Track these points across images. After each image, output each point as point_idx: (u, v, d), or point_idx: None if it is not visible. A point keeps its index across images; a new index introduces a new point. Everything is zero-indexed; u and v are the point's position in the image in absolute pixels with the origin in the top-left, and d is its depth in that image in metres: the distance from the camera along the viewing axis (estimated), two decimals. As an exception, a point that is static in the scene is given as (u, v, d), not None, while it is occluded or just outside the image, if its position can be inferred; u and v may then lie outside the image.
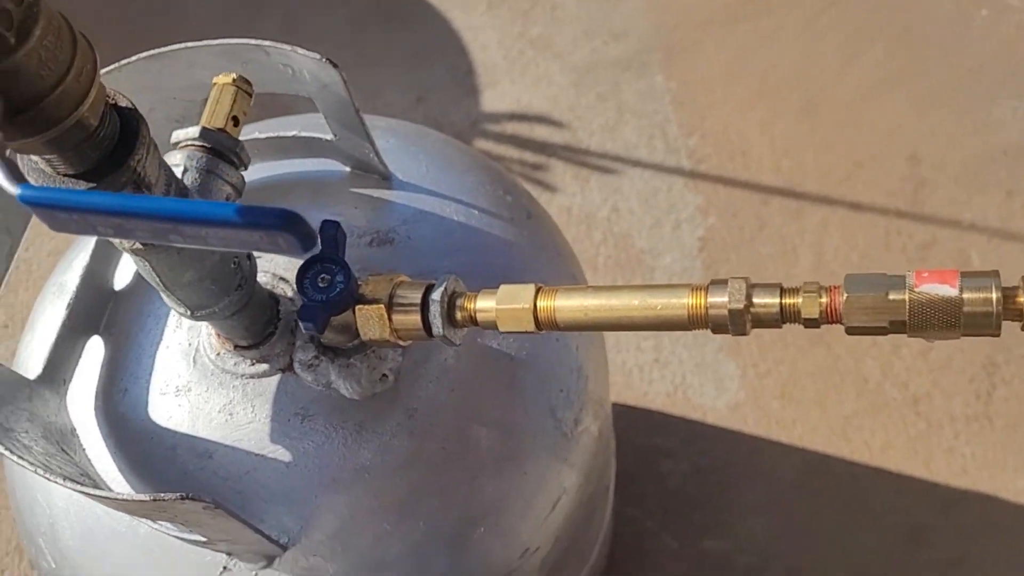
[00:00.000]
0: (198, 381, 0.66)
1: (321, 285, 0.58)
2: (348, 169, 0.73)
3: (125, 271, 0.71)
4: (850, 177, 1.61)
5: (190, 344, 0.67)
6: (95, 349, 0.69)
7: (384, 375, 0.65)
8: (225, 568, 0.63)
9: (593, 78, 1.74)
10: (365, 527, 0.63)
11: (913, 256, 1.54)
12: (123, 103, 0.44)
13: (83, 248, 0.74)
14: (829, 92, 1.68)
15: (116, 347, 0.68)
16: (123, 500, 0.49)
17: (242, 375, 0.65)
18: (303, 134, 0.69)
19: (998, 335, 0.48)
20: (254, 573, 0.63)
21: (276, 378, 0.65)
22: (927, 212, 1.57)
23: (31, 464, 0.51)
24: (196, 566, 0.63)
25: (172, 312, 0.68)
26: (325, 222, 0.59)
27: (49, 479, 0.50)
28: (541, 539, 0.68)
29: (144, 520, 0.60)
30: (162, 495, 0.48)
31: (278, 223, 0.32)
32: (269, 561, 0.62)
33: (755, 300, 0.52)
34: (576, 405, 0.70)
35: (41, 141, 0.39)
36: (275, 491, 0.63)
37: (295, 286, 0.59)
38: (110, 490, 0.60)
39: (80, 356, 0.68)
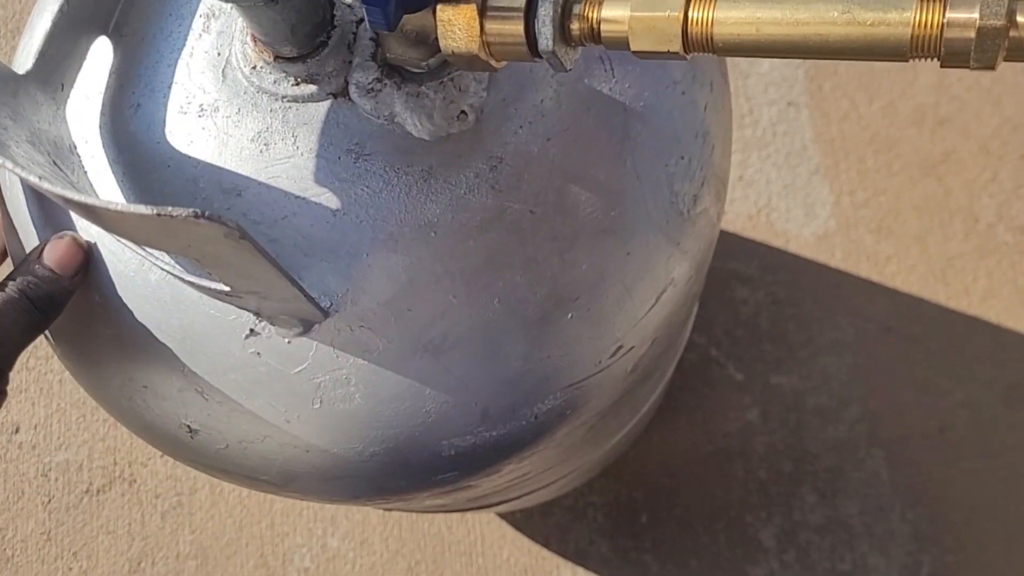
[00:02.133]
0: (228, 100, 0.52)
1: (395, -35, 0.43)
2: None
3: (143, -42, 0.56)
4: None
5: (219, 54, 0.53)
6: (103, 53, 0.55)
7: (463, 111, 0.51)
8: (252, 331, 0.51)
9: None
10: (427, 296, 0.50)
11: (1053, 85, 1.34)
12: None
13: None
14: None
15: (128, 52, 0.54)
16: (117, 211, 0.36)
17: (283, 96, 0.51)
18: None
19: None
20: (287, 340, 0.51)
21: (326, 104, 0.51)
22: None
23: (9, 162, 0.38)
24: (217, 325, 0.51)
25: (199, 12, 0.54)
26: None
27: (29, 180, 0.37)
28: (638, 337, 0.55)
29: (154, 257, 0.48)
30: (169, 209, 0.35)
31: None
32: (306, 327, 0.50)
33: (1020, 19, 0.36)
34: (698, 178, 0.55)
35: None
36: (318, 243, 0.50)
37: None
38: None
39: (83, 59, 0.54)
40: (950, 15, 0.37)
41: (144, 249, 0.49)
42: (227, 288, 0.46)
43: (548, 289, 0.51)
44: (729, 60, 1.39)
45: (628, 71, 0.53)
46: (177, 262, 0.48)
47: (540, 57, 0.45)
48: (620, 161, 0.52)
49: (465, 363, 0.51)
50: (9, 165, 0.37)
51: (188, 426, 0.54)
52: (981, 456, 1.21)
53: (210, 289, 0.47)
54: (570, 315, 0.52)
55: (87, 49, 0.54)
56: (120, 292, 0.53)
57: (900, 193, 1.31)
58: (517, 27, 0.44)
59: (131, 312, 0.53)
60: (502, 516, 1.24)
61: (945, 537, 1.19)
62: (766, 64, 1.38)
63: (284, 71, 0.51)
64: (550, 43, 0.43)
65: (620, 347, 0.54)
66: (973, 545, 1.19)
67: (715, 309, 1.29)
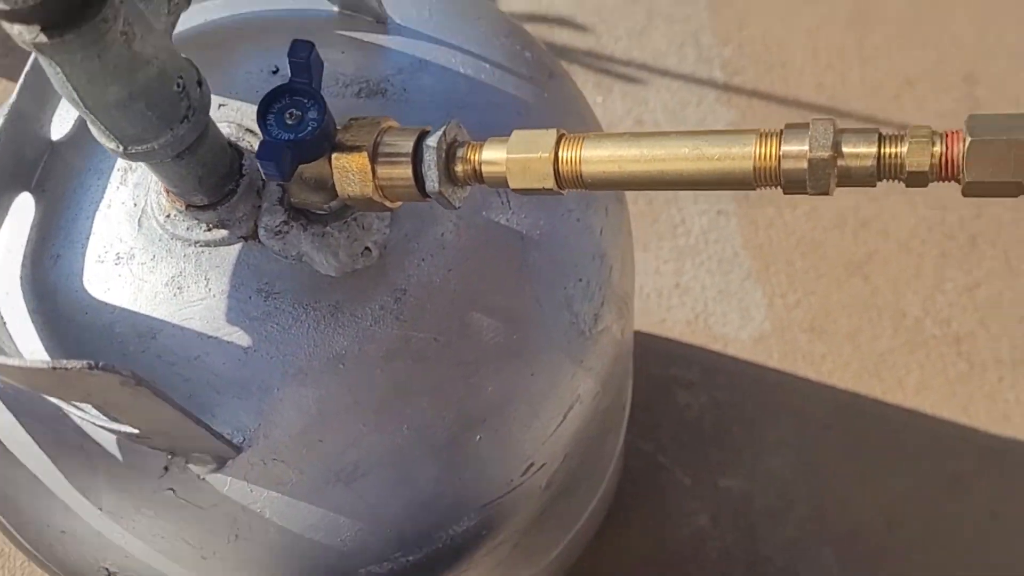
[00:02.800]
0: (143, 248, 0.54)
1: (289, 122, 0.47)
2: (336, 9, 0.61)
3: (64, 118, 0.59)
4: (899, 96, 1.47)
5: (135, 204, 0.55)
6: (25, 208, 0.57)
7: (367, 248, 0.53)
8: (166, 470, 0.52)
9: (623, -22, 1.59)
10: (338, 427, 0.52)
11: (964, 184, 1.40)
12: None
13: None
14: (881, 1, 1.54)
15: (49, 206, 0.57)
16: (15, 367, 0.37)
17: (196, 242, 0.54)
18: (281, -42, 0.57)
19: None
20: (201, 477, 0.52)
21: (237, 247, 0.54)
22: (981, 137, 1.43)
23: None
24: (133, 466, 0.53)
25: (117, 166, 0.57)
26: (296, 43, 0.47)
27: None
28: (548, 454, 0.57)
29: (65, 405, 0.49)
30: (64, 362, 0.37)
31: None
32: (220, 463, 0.52)
33: (845, 149, 0.40)
34: (597, 298, 0.58)
35: None
36: (230, 380, 0.52)
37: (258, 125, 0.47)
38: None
39: (5, 215, 0.56)
40: (785, 148, 0.41)
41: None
42: (135, 431, 0.47)
43: (455, 413, 0.53)
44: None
45: (524, 202, 0.57)
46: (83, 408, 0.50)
47: (429, 197, 0.48)
48: (520, 287, 0.55)
49: (378, 490, 0.53)
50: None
51: (107, 569, 0.55)
52: (929, 546, 1.22)
53: (120, 432, 0.48)
54: (479, 437, 0.54)
55: (9, 205, 0.57)
56: (36, 438, 0.54)
57: (829, 293, 1.36)
58: (406, 171, 0.47)
59: (47, 455, 0.54)
60: (458, 639, 1.21)
61: (901, 633, 1.19)
62: (694, 176, 1.44)
63: (196, 218, 0.54)
64: (436, 185, 0.47)
65: (531, 465, 0.56)
66: (930, 640, 1.19)
67: (660, 415, 1.31)
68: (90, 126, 0.45)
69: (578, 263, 0.58)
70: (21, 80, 0.56)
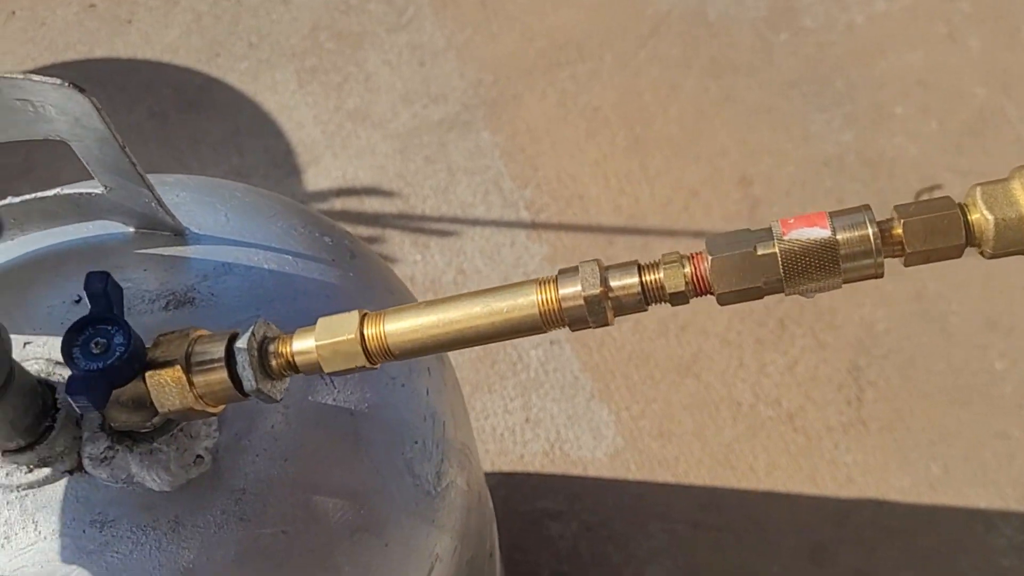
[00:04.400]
0: (-39, 504, 0.52)
1: (95, 352, 0.48)
2: (132, 230, 0.63)
3: None
4: (688, 206, 1.61)
5: (-53, 460, 0.54)
6: None
7: (199, 456, 0.54)
8: None
9: (418, 142, 1.68)
10: (197, 646, 0.51)
11: (762, 274, 1.53)
12: None
13: None
14: (653, 127, 1.69)
15: None
16: None
17: (17, 487, 0.52)
18: (67, 191, 0.59)
19: (882, 275, 0.43)
20: None
21: (62, 483, 0.53)
22: (767, 230, 1.57)
23: None
24: None
25: (-78, 425, 0.55)
26: (90, 275, 0.48)
27: None
28: (418, 621, 0.57)
29: None
30: None
31: None
32: None
33: (612, 283, 0.45)
34: (435, 456, 0.60)
35: None
36: (74, 623, 0.50)
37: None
38: None
39: None
40: (562, 291, 0.45)
41: None
42: None
43: (316, 601, 0.53)
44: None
45: (348, 379, 0.59)
46: None
47: (250, 395, 0.49)
48: (358, 461, 0.57)
49: None
50: None
51: None
52: (812, 621, 1.26)
53: None
54: (344, 620, 0.54)
55: None
56: None
57: (668, 397, 1.43)
58: (222, 375, 0.49)
59: None
60: None
61: None
62: (521, 313, 1.50)
63: (14, 461, 0.53)
64: (254, 383, 0.48)
65: (402, 635, 0.56)
66: None
67: (536, 551, 1.31)
68: None
69: (411, 426, 0.60)
70: None
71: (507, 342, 1.46)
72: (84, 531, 0.52)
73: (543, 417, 1.42)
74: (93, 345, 0.47)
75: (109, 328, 0.48)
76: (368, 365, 0.48)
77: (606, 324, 0.45)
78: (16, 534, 0.52)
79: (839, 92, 1.71)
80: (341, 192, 1.63)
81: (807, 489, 1.36)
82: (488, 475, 1.37)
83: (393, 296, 0.67)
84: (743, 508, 1.34)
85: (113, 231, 0.63)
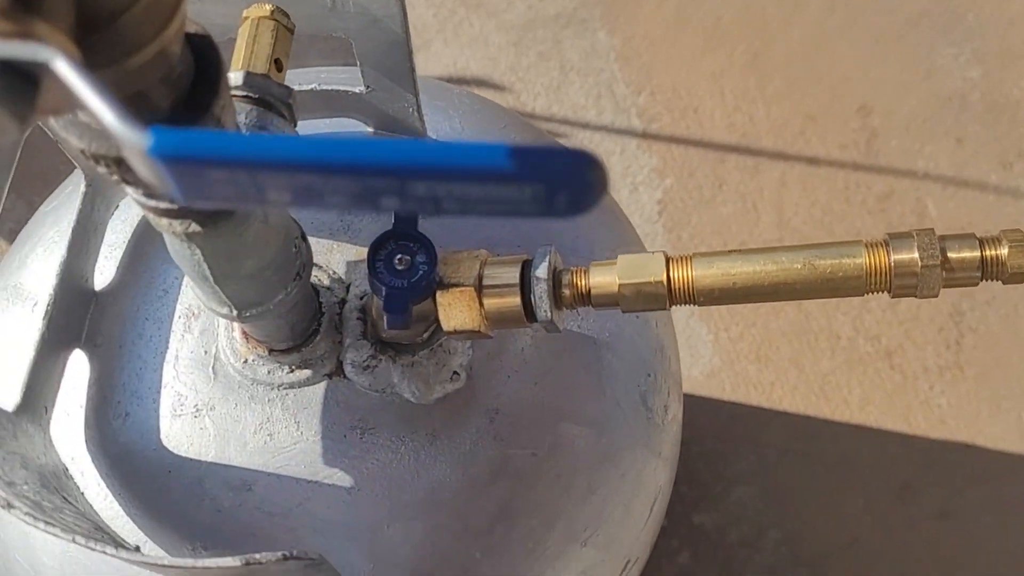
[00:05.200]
0: (223, 397, 0.53)
1: (399, 268, 0.47)
2: (371, 129, 0.61)
3: (103, 264, 0.57)
4: (804, 131, 1.57)
5: (206, 352, 0.54)
6: (78, 367, 0.55)
7: (455, 372, 0.54)
8: (282, 625, 0.51)
9: (532, 36, 1.63)
10: (450, 556, 0.52)
11: (873, 208, 1.51)
12: (193, 29, 0.31)
13: (39, 239, 0.59)
14: (774, 46, 1.64)
15: (106, 361, 0.55)
16: (198, 568, 0.36)
17: (279, 385, 0.53)
18: (324, 87, 0.57)
19: None
20: (319, 627, 0.51)
21: (322, 386, 0.53)
22: (882, 163, 1.54)
23: (59, 531, 0.38)
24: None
25: (176, 314, 0.55)
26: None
27: (90, 547, 0.37)
28: (640, 548, 0.58)
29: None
30: (258, 556, 0.36)
31: (579, 165, 0.21)
32: (337, 611, 0.51)
33: (950, 255, 0.44)
34: (664, 389, 0.60)
35: (113, 77, 0.26)
36: (336, 524, 0.51)
37: (332, 272, 0.48)
38: (132, 549, 0.47)
39: (62, 376, 0.54)
40: (895, 257, 0.44)
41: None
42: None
43: (561, 526, 0.54)
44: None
45: (590, 307, 0.59)
46: None
47: (538, 323, 0.49)
48: (601, 391, 0.57)
49: (494, 611, 0.53)
50: (79, 541, 0.37)
51: None
52: (891, 556, 1.30)
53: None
54: (583, 545, 0.55)
55: (64, 364, 0.54)
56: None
57: (768, 323, 1.43)
58: (515, 301, 0.48)
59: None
60: None
61: (881, 641, 1.26)
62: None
63: (277, 361, 0.53)
64: (548, 314, 0.48)
65: (628, 562, 0.58)
66: (906, 642, 1.26)
67: (628, 461, 1.34)
68: (201, 296, 0.44)
69: (645, 359, 0.60)
70: (69, 238, 0.54)
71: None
72: (345, 435, 0.52)
73: (642, 330, 1.42)
74: (397, 261, 0.47)
75: (411, 245, 0.47)
76: (663, 308, 0.47)
77: (934, 296, 0.44)
78: (279, 432, 0.52)
79: (970, 27, 1.65)
80: (451, 80, 1.59)
81: (899, 427, 1.37)
82: (585, 382, 1.38)
83: (616, 220, 0.66)
84: (834, 440, 1.36)
85: (352, 129, 0.61)
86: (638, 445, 0.58)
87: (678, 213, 1.50)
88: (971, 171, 1.55)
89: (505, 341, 0.56)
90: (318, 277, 0.54)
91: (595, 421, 0.56)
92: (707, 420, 1.37)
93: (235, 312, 0.44)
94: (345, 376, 0.53)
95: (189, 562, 0.36)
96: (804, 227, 1.49)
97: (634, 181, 1.53)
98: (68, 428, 0.53)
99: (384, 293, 0.46)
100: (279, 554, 0.36)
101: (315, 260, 0.55)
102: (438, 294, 0.48)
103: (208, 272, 0.41)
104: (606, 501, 0.56)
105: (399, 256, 0.47)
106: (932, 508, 1.33)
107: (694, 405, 1.39)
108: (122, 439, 0.53)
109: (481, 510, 0.53)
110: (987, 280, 0.44)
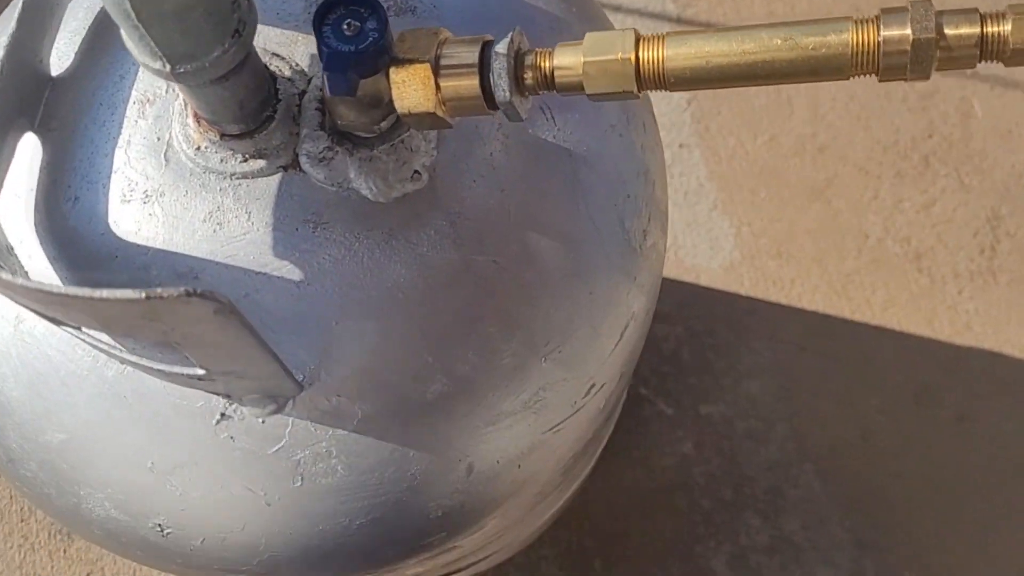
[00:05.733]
0: (173, 184, 0.51)
1: (347, 33, 0.44)
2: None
3: (63, 50, 0.55)
4: (847, 21, 1.49)
5: (159, 138, 0.52)
6: (30, 150, 0.53)
7: (416, 171, 0.51)
8: (223, 416, 0.50)
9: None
10: (400, 359, 0.50)
11: (914, 105, 1.44)
12: None
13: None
14: (823, -71, 1.55)
15: (59, 145, 0.53)
16: (102, 298, 0.34)
17: (232, 174, 0.50)
18: None
19: None
20: (261, 420, 0.50)
21: (276, 178, 0.51)
22: (928, 58, 1.46)
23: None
24: (184, 415, 0.50)
25: (132, 99, 0.53)
26: (350, -55, 0.43)
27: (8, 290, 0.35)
28: (608, 374, 0.56)
29: (119, 350, 0.46)
30: (159, 290, 0.34)
31: None
32: (280, 405, 0.49)
33: (947, 30, 0.39)
34: (644, 214, 0.57)
35: None
36: (283, 317, 0.49)
37: (295, 64, 0.45)
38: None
39: (11, 157, 0.52)
40: (885, 33, 0.40)
41: (101, 343, 0.47)
42: (201, 372, 0.44)
43: (521, 338, 0.52)
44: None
45: (568, 119, 0.55)
46: (133, 351, 0.47)
47: (496, 109, 0.46)
48: (574, 205, 0.54)
49: (446, 422, 0.51)
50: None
51: (160, 525, 0.52)
52: (904, 456, 1.26)
53: (180, 375, 0.45)
54: (543, 360, 0.53)
55: (15, 146, 0.52)
56: (72, 394, 0.50)
57: (794, 219, 1.38)
58: (472, 82, 0.45)
59: (87, 411, 0.50)
60: (455, 584, 1.21)
61: (882, 539, 1.23)
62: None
63: (231, 149, 0.50)
64: (507, 95, 0.44)
65: (593, 386, 0.55)
66: (908, 542, 1.23)
67: (638, 349, 1.31)
68: (132, 47, 0.42)
69: (626, 179, 0.56)
70: (19, 11, 0.51)
71: (634, 138, 1.40)
72: (297, 228, 0.50)
73: (661, 219, 1.38)
74: (345, 26, 0.44)
75: (362, 11, 0.44)
76: (635, 91, 0.44)
77: (925, 78, 0.40)
78: (229, 221, 0.50)
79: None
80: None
81: (922, 331, 1.33)
82: (599, 268, 1.35)
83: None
84: (853, 339, 1.32)
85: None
86: (611, 266, 0.55)
87: (708, 103, 1.44)
88: (1021, 73, 1.47)
89: (472, 144, 0.53)
90: (279, 67, 0.52)
91: (565, 235, 0.53)
92: (722, 313, 1.34)
93: (168, 67, 0.42)
94: (301, 169, 0.50)
95: (87, 291, 0.34)
96: (839, 122, 1.43)
97: (664, 67, 1.46)
98: (17, 210, 0.52)
99: (326, 54, 0.42)
100: (181, 290, 0.34)
101: (278, 51, 0.52)
102: (392, 71, 0.45)
103: (129, 6, 0.38)
104: (572, 318, 0.53)
105: (348, 21, 0.44)
106: (950, 411, 1.29)
107: (711, 298, 1.35)
108: (71, 223, 0.51)
109: (436, 314, 0.50)
110: (986, 60, 0.40)
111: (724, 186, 1.39)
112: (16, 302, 0.39)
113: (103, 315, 0.37)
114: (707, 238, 1.37)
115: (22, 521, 1.23)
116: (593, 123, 0.56)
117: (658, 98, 1.44)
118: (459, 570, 0.81)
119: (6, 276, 0.35)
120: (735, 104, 1.44)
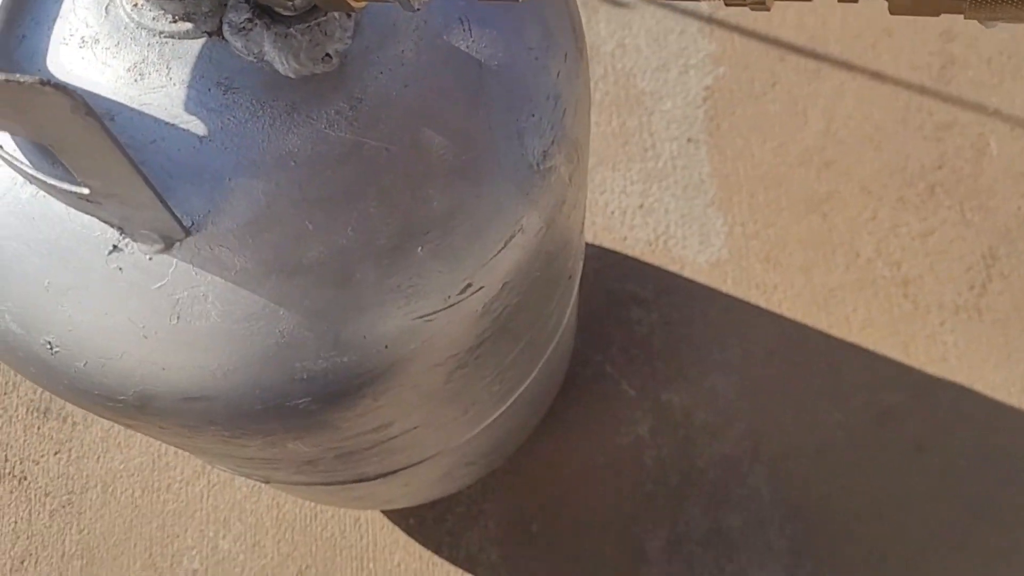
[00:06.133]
0: (108, 33, 0.55)
1: (259, -99, 0.48)
2: None
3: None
4: (876, 45, 1.50)
5: (105, -7, 0.56)
6: (-5, -9, 0.58)
7: (328, 54, 0.55)
8: (115, 247, 0.54)
9: (618, -98, 1.59)
10: (283, 220, 0.54)
11: (929, 135, 1.44)
12: None
13: None
14: (869, -48, 1.55)
15: (20, -10, 0.58)
16: (-30, 79, 0.39)
17: (161, 32, 0.55)
18: None
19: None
20: (148, 257, 0.54)
21: (199, 42, 0.55)
22: (951, 92, 1.46)
23: None
24: (83, 241, 0.54)
25: (89, -43, 0.58)
26: None
27: None
28: (487, 278, 0.59)
29: (27, 167, 0.51)
30: (17, 76, 0.39)
31: None
32: (168, 244, 0.53)
33: (783, -44, 0.42)
34: (548, 136, 0.60)
35: None
36: (184, 166, 0.54)
37: None
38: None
39: (-24, -7, 0.57)
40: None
41: (17, 162, 0.52)
42: (86, 191, 0.49)
43: (400, 222, 0.55)
44: (635, 99, 1.47)
45: (485, 33, 0.59)
46: (38, 168, 0.51)
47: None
48: (474, 110, 0.57)
49: (318, 287, 0.55)
50: None
51: (50, 343, 0.57)
52: (855, 474, 1.27)
53: (71, 194, 0.50)
54: (420, 248, 0.56)
55: (-20, -15, 0.57)
56: (-9, 209, 0.55)
57: (787, 227, 1.39)
58: (371, -36, 0.49)
59: None
60: (395, 521, 1.25)
61: (820, 550, 1.24)
62: (668, 102, 1.46)
63: (163, 9, 0.55)
64: (397, -21, 0.48)
65: (469, 285, 0.58)
66: (845, 559, 1.24)
67: (611, 328, 1.34)
68: None
69: (533, 99, 0.60)
70: None
71: (644, 128, 1.43)
72: (210, 89, 0.54)
73: (657, 208, 1.41)
74: None
75: None
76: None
77: (762, 5, 0.42)
78: (150, 74, 0.55)
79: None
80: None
81: (896, 355, 1.33)
82: (588, 245, 1.38)
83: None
84: (825, 352, 1.33)
85: None
86: (503, 175, 0.58)
87: (723, 103, 1.46)
88: (1046, 116, 1.46)
89: (386, 40, 0.56)
90: (219, -58, 0.56)
91: (460, 135, 0.56)
92: (700, 307, 1.36)
93: (92, -93, 0.46)
94: (222, 37, 0.55)
95: (-44, 66, 0.39)
96: (851, 140, 1.44)
97: (686, 63, 1.49)
98: (-27, 42, 0.57)
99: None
100: (36, 78, 0.39)
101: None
102: (301, -55, 0.49)
103: None
104: (454, 213, 0.56)
105: None
106: (909, 438, 1.29)
107: (692, 290, 1.37)
108: (15, 58, 0.56)
109: (322, 186, 0.54)
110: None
111: (724, 185, 1.41)
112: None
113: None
114: (699, 232, 1.39)
115: (4, 394, 1.31)
116: (509, 41, 0.59)
117: (673, 90, 1.47)
118: (367, 478, 0.85)
119: None
120: (750, 107, 1.46)
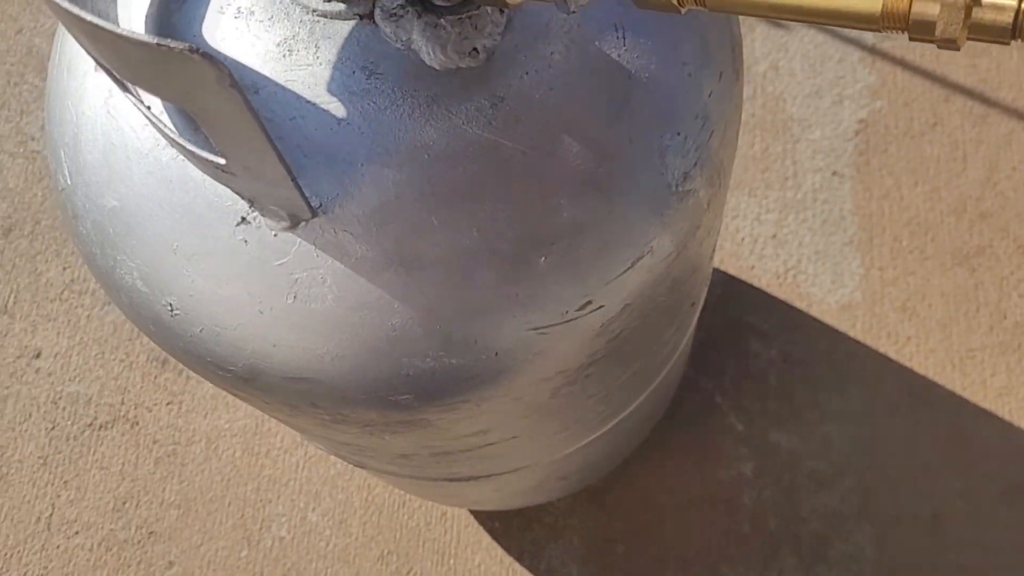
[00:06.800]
0: (263, 7, 0.56)
1: None
2: None
3: None
4: (1055, 94, 1.39)
5: (266, -33, 0.57)
6: (164, -45, 0.59)
7: (475, 49, 0.54)
8: (243, 219, 0.54)
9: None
10: (409, 213, 0.53)
11: (1102, 197, 1.33)
12: None
13: None
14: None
15: (187, -44, 0.59)
16: (121, 36, 0.39)
17: (313, 10, 0.55)
18: None
19: None
20: (274, 233, 0.54)
21: (349, 24, 0.54)
22: None
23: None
24: (214, 209, 0.55)
25: (256, -71, 0.58)
26: None
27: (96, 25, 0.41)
28: (608, 297, 0.57)
29: (170, 131, 0.51)
30: (168, 41, 0.39)
31: None
32: (294, 223, 0.53)
33: (983, -5, 0.38)
34: (691, 157, 0.57)
35: None
36: (319, 146, 0.53)
37: None
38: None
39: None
40: (919, -12, 0.39)
41: (162, 125, 0.53)
42: (222, 161, 0.49)
43: (526, 228, 0.54)
44: (781, 124, 1.41)
45: (640, 43, 0.56)
46: (182, 134, 0.52)
47: (548, -4, 0.47)
48: (616, 122, 0.55)
49: (435, 285, 0.54)
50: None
51: (171, 304, 0.57)
52: (971, 551, 1.18)
53: (208, 162, 0.50)
54: (543, 258, 0.54)
55: (151, -53, 0.59)
56: (132, 168, 0.56)
57: (930, 277, 1.31)
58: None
59: (138, 186, 0.56)
60: (480, 521, 1.24)
61: (921, 626, 1.16)
62: (817, 131, 1.40)
63: (319, -14, 0.55)
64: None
65: (589, 302, 0.56)
66: (950, 640, 1.16)
67: (727, 357, 1.29)
68: None
69: (680, 117, 0.57)
70: None
71: (788, 155, 1.37)
72: (354, 72, 0.54)
73: (791, 240, 1.35)
74: None
75: None
76: (675, 4, 0.44)
77: (953, 43, 0.39)
78: (298, 51, 0.54)
79: None
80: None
81: (1033, 429, 1.23)
82: (713, 271, 1.33)
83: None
84: (954, 414, 1.24)
85: None
86: (638, 192, 0.55)
87: (877, 138, 1.39)
88: None
89: (537, 40, 0.55)
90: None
91: (599, 146, 0.54)
92: (824, 348, 1.29)
93: None
94: (374, 21, 0.54)
95: (111, 26, 0.39)
96: (1013, 194, 1.34)
97: (841, 93, 1.42)
98: (138, 2, 0.58)
99: None
100: (186, 45, 0.38)
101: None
102: (463, -64, 0.48)
103: None
104: (582, 228, 0.54)
105: None
106: (1036, 521, 1.19)
107: (816, 330, 1.31)
108: (173, 21, 0.57)
109: (451, 182, 0.53)
110: (1019, 38, 0.38)
111: (866, 224, 1.34)
112: (73, 36, 0.45)
113: (130, 59, 0.42)
114: (832, 271, 1.33)
115: (129, 340, 1.36)
116: (663, 54, 0.57)
117: (827, 119, 1.40)
118: (460, 478, 0.84)
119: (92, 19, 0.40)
120: (905, 146, 1.38)
